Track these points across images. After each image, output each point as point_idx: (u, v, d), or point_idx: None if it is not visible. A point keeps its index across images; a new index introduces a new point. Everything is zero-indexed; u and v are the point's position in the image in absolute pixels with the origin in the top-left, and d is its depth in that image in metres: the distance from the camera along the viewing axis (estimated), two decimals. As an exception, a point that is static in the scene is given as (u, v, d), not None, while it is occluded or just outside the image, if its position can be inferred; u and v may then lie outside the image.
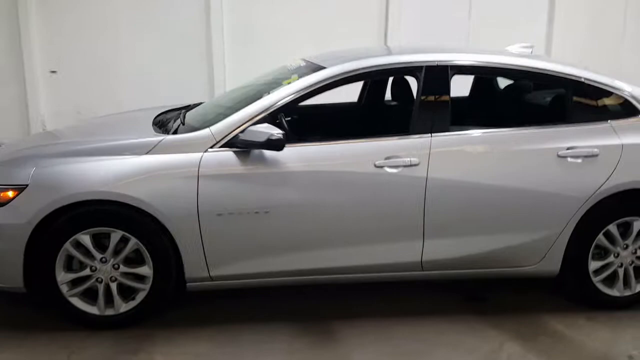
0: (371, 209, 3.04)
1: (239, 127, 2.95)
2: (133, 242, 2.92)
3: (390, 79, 3.83)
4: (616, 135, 3.19)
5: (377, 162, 3.00)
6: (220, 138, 2.95)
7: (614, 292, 3.31)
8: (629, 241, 3.26)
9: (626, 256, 3.27)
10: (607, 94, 3.29)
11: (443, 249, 3.14)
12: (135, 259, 2.98)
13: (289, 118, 3.43)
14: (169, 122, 3.45)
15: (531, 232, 3.16)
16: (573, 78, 3.26)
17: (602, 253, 3.28)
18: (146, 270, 2.96)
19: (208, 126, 3.02)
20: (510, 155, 3.13)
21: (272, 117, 3.02)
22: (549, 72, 3.26)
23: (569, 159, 3.12)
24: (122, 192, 2.84)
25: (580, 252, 3.22)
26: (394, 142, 3.09)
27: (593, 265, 3.25)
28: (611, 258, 3.27)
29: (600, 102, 3.26)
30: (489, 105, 3.74)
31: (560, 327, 3.15)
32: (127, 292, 3.02)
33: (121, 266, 2.96)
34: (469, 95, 4.10)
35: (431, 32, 7.34)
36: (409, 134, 3.11)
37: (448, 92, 3.15)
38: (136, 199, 2.85)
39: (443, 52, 3.26)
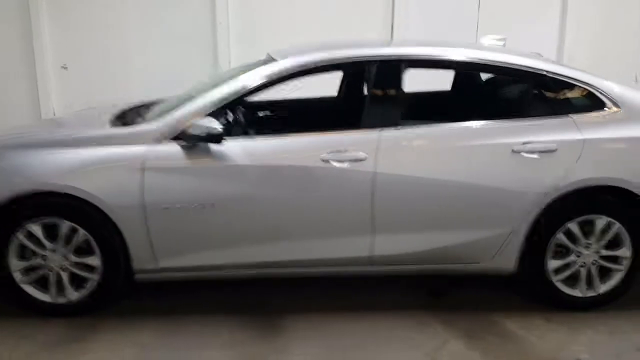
0: (318, 203, 3.02)
1: (185, 120, 2.97)
2: (81, 233, 2.98)
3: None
4: (578, 129, 3.07)
5: (323, 156, 2.98)
6: (166, 132, 2.98)
7: (576, 292, 3.21)
8: (592, 240, 3.14)
9: (589, 256, 3.16)
10: (571, 87, 3.17)
11: (394, 244, 3.09)
12: (86, 250, 3.04)
13: (246, 112, 3.43)
14: (135, 116, 3.49)
15: (484, 228, 3.08)
16: (533, 71, 3.16)
17: (564, 252, 3.18)
18: (95, 260, 3.03)
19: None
20: (462, 150, 3.06)
21: (220, 111, 3.03)
22: (507, 65, 3.17)
23: (523, 154, 3.03)
24: (69, 184, 2.91)
25: (537, 250, 3.12)
26: (342, 136, 3.07)
27: (552, 264, 3.15)
28: (572, 257, 3.16)
29: (562, 96, 3.15)
30: (446, 100, 3.66)
31: (515, 326, 3.07)
32: (79, 282, 3.09)
33: (71, 256, 3.03)
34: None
35: (439, 26, 7.22)
36: (359, 128, 3.07)
37: (399, 86, 3.10)
38: (83, 191, 2.91)
39: (396, 46, 3.20)
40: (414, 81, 3.62)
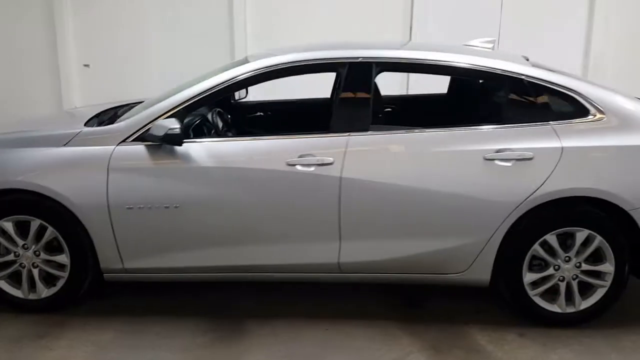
0: (283, 207, 2.98)
1: (150, 121, 2.98)
2: (50, 230, 3.04)
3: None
4: (557, 137, 2.92)
5: (289, 160, 2.93)
6: (132, 132, 3.00)
7: (555, 308, 3.06)
8: (571, 254, 2.98)
9: (569, 270, 3.00)
10: (553, 92, 3.02)
11: (361, 251, 3.02)
12: (57, 248, 3.09)
13: (216, 114, 3.42)
14: (112, 116, 3.53)
15: (455, 238, 2.97)
16: (512, 75, 3.02)
17: (542, 265, 3.03)
18: (64, 258, 3.08)
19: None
20: (432, 157, 2.96)
21: (184, 111, 3.02)
22: (484, 69, 3.04)
23: (497, 162, 2.90)
24: (38, 182, 2.97)
25: (512, 263, 2.99)
26: (310, 140, 3.01)
27: (529, 277, 3.02)
28: (551, 271, 3.01)
29: (542, 102, 3.01)
30: (420, 105, 3.54)
31: (485, 340, 2.96)
32: (50, 279, 3.14)
33: (42, 253, 3.09)
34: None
35: (460, 26, 7.06)
36: (328, 132, 3.02)
37: (369, 89, 3.02)
38: (50, 190, 2.96)
39: (369, 48, 3.11)
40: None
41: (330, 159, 2.92)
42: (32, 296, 3.14)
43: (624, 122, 2.98)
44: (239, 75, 3.05)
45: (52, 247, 3.10)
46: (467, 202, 2.92)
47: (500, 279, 3.05)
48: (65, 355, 2.78)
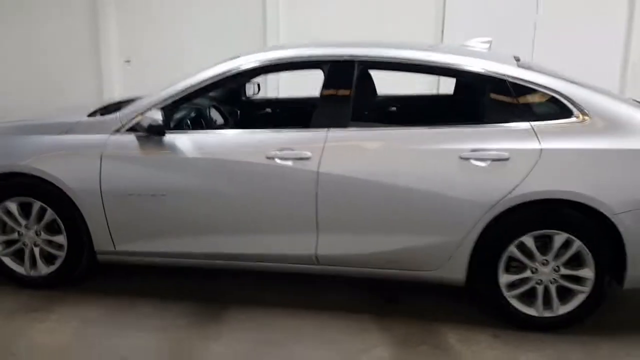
0: (263, 199, 3.08)
1: (141, 113, 3.15)
2: (49, 212, 3.26)
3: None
4: (536, 138, 2.90)
5: (268, 154, 3.04)
6: (125, 122, 3.18)
7: (532, 311, 3.02)
8: (550, 257, 2.95)
9: (547, 273, 2.97)
10: (535, 93, 2.99)
11: (338, 244, 3.09)
12: (57, 229, 3.32)
13: (206, 107, 3.55)
14: (116, 108, 3.72)
15: (429, 236, 2.99)
16: (493, 75, 3.01)
17: (520, 267, 3.01)
18: (61, 239, 3.30)
19: None
20: (408, 155, 2.99)
21: (174, 104, 3.17)
22: (465, 69, 3.04)
23: (472, 162, 2.90)
24: (39, 167, 3.20)
25: (488, 263, 2.99)
26: (290, 134, 3.11)
27: (505, 278, 3.00)
28: (528, 273, 2.99)
29: (523, 102, 2.98)
30: (401, 103, 3.56)
31: (455, 339, 2.96)
32: (50, 258, 3.37)
33: (42, 233, 3.32)
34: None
35: (494, 26, 6.97)
36: (308, 128, 3.10)
37: (350, 86, 3.08)
38: (49, 175, 3.18)
39: (353, 47, 3.18)
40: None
41: (308, 154, 3.01)
42: (33, 273, 3.38)
43: (611, 125, 2.92)
44: (226, 72, 3.17)
45: (52, 228, 3.32)
46: (442, 200, 2.93)
47: (475, 278, 3.04)
48: (51, 328, 2.99)
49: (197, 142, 3.13)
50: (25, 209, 3.31)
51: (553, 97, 2.97)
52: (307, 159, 3.01)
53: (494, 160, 2.89)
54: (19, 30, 7.78)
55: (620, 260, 2.90)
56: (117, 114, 3.24)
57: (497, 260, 2.97)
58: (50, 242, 3.34)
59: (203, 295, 3.37)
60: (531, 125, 2.93)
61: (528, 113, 2.97)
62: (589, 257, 2.91)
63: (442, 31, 7.16)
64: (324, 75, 3.14)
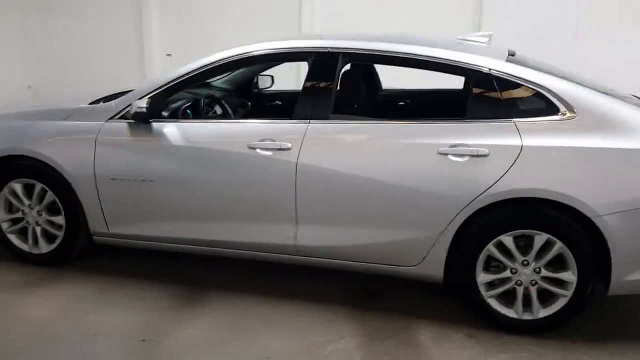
0: (244, 188, 3.14)
1: (130, 100, 3.27)
2: (50, 194, 3.45)
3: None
4: (518, 134, 2.81)
5: (250, 144, 3.09)
6: (118, 110, 3.31)
7: (511, 312, 2.94)
8: (530, 258, 2.86)
9: (527, 274, 2.88)
10: (521, 88, 2.90)
11: (317, 236, 3.10)
12: (57, 210, 3.50)
13: (196, 97, 3.63)
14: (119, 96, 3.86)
15: (406, 230, 2.96)
16: (476, 69, 2.94)
17: (501, 266, 2.94)
18: (60, 220, 3.48)
19: None
20: (387, 149, 2.96)
21: (164, 93, 3.27)
22: (450, 62, 2.98)
23: (450, 157, 2.85)
24: (40, 151, 3.38)
25: (465, 261, 2.93)
26: (272, 125, 3.15)
27: (483, 277, 2.93)
28: (507, 273, 2.91)
29: (507, 97, 2.89)
30: (383, 96, 3.51)
31: (427, 336, 2.92)
32: (51, 237, 3.56)
33: (43, 213, 3.51)
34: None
35: (532, 23, 6.78)
36: (291, 119, 3.13)
37: (332, 79, 3.08)
38: (49, 158, 3.36)
39: (337, 39, 3.18)
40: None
41: (289, 145, 3.04)
42: (35, 250, 3.58)
43: (599, 123, 2.79)
44: (214, 62, 3.25)
45: (53, 209, 3.50)
46: (418, 195, 2.89)
47: (453, 276, 2.99)
48: (39, 302, 3.16)
49: (183, 130, 3.22)
50: (28, 190, 3.51)
51: (539, 93, 2.87)
52: (287, 149, 3.04)
53: (472, 156, 2.82)
54: (70, 28, 8.22)
55: (607, 264, 2.78)
56: (113, 102, 3.38)
57: (475, 258, 2.91)
58: (50, 222, 3.52)
59: (189, 280, 3.47)
60: (513, 121, 2.84)
61: (512, 108, 2.88)
62: (571, 259, 2.80)
63: (479, 24, 7.03)
64: (309, 67, 3.15)
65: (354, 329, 2.97)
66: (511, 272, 2.90)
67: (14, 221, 3.60)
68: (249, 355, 2.72)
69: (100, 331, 2.90)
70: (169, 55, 8.15)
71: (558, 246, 2.80)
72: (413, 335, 2.93)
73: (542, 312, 2.90)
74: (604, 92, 2.91)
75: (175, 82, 3.26)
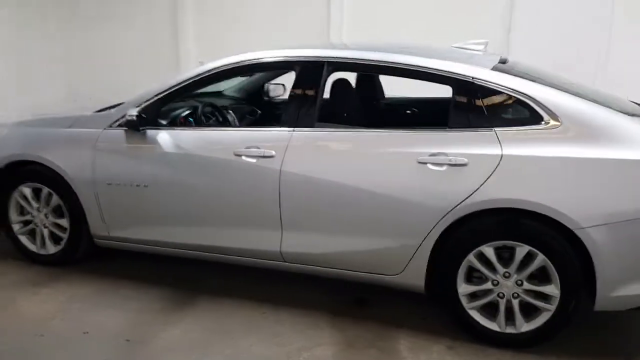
0: (232, 194, 3.20)
1: (127, 109, 3.40)
2: (55, 198, 3.62)
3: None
4: (499, 144, 2.76)
5: (236, 151, 3.16)
6: (117, 118, 3.45)
7: (493, 325, 2.89)
8: (511, 270, 2.80)
9: (509, 287, 2.82)
10: (503, 97, 2.85)
11: (301, 243, 3.14)
12: (62, 213, 3.67)
13: (188, 106, 3.74)
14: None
15: (387, 239, 2.95)
16: (459, 77, 2.91)
17: (482, 277, 2.89)
18: (65, 222, 3.65)
19: None
20: (368, 157, 2.97)
21: (159, 103, 3.38)
22: (433, 71, 2.95)
23: (429, 166, 2.83)
24: (46, 157, 3.56)
25: (446, 271, 2.90)
26: (259, 133, 3.21)
27: (463, 288, 2.90)
28: (489, 285, 2.86)
29: (490, 106, 2.85)
30: (368, 105, 3.49)
31: (406, 346, 2.91)
32: (57, 239, 3.74)
33: (50, 217, 3.69)
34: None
35: (565, 29, 6.61)
36: (277, 127, 3.18)
37: (317, 87, 3.11)
38: (54, 164, 3.54)
39: (322, 48, 3.21)
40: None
41: (272, 152, 3.09)
42: (42, 251, 3.77)
43: (584, 133, 2.71)
44: (206, 72, 3.33)
45: (59, 212, 3.68)
46: (398, 204, 2.89)
47: (434, 286, 2.96)
48: (40, 300, 3.33)
49: (175, 138, 3.31)
50: (37, 194, 3.70)
51: (522, 101, 2.81)
52: (271, 157, 3.09)
53: (451, 165, 2.80)
54: (107, 34, 8.56)
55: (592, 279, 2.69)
56: (112, 111, 3.53)
57: (455, 268, 2.88)
58: (57, 225, 3.70)
59: (184, 283, 3.57)
60: (495, 130, 2.80)
61: (494, 117, 2.83)
62: (554, 273, 2.73)
63: (509, 29, 6.90)
64: (295, 76, 3.20)
65: (334, 336, 2.99)
66: (493, 283, 2.85)
67: (24, 223, 3.79)
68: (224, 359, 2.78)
69: (91, 330, 3.03)
70: (201, 62, 8.35)
71: (540, 259, 2.73)
72: (392, 345, 2.92)
73: (526, 326, 2.84)
74: (598, 101, 2.82)
75: (168, 91, 3.36)
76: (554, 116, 2.75)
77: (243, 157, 3.14)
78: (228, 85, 4.78)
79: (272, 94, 4.66)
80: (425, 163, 2.83)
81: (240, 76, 3.78)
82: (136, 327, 3.06)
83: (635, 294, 2.68)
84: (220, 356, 2.81)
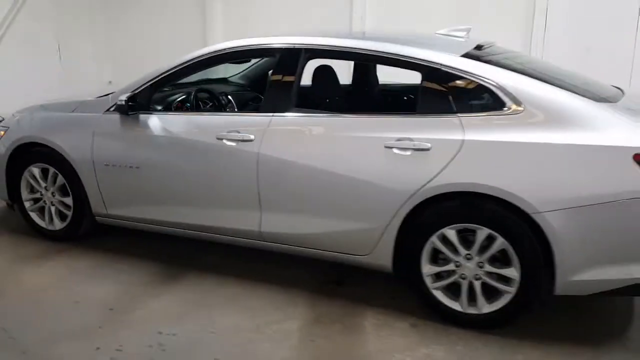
0: (214, 176, 3.38)
1: (121, 94, 3.62)
2: (60, 177, 3.90)
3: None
4: (462, 129, 2.84)
5: (218, 135, 3.33)
6: (113, 103, 3.67)
7: (456, 305, 2.98)
8: (473, 252, 2.88)
9: (470, 268, 2.90)
10: (468, 83, 2.91)
11: (279, 223, 3.29)
12: (66, 191, 3.95)
13: (180, 91, 3.93)
14: None
15: (356, 221, 3.07)
16: (427, 64, 2.98)
17: (446, 259, 2.97)
18: (70, 201, 3.92)
19: None
20: (339, 141, 3.08)
21: (151, 88, 3.58)
22: (403, 57, 3.03)
23: (395, 150, 2.93)
24: (52, 139, 3.83)
25: (410, 252, 3.00)
26: (240, 118, 3.38)
27: (427, 269, 2.99)
28: (451, 266, 2.94)
29: (454, 92, 2.92)
30: (344, 91, 3.57)
31: (370, 322, 3.03)
32: (63, 215, 4.02)
33: (56, 195, 3.97)
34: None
35: (590, 27, 6.50)
36: (258, 112, 3.34)
37: (294, 73, 3.24)
38: (58, 146, 3.80)
39: (300, 36, 3.32)
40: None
41: (251, 136, 3.24)
42: (50, 227, 4.06)
43: (547, 118, 2.75)
44: (192, 59, 3.51)
45: (64, 191, 3.95)
46: (366, 186, 3.00)
47: (400, 266, 3.06)
48: (42, 272, 3.61)
49: (164, 122, 3.52)
50: (45, 174, 3.98)
51: (486, 88, 2.87)
52: (249, 140, 3.25)
53: (415, 149, 2.89)
54: (138, 28, 8.93)
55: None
56: (111, 96, 3.76)
57: (419, 250, 2.97)
58: (62, 203, 3.97)
59: (177, 259, 3.78)
60: (459, 116, 2.87)
61: (459, 103, 2.90)
62: (513, 256, 2.79)
63: (532, 30, 6.83)
64: (275, 62, 3.33)
65: (302, 311, 3.13)
66: (455, 265, 2.92)
67: (34, 200, 4.09)
68: (194, 328, 2.96)
69: (81, 299, 3.27)
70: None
71: (500, 242, 2.80)
72: (359, 321, 3.04)
73: (487, 308, 2.91)
74: (566, 87, 2.84)
75: (159, 77, 3.56)
76: (517, 102, 2.80)
77: (224, 141, 3.30)
78: (233, 72, 4.98)
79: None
80: (392, 147, 2.93)
81: (227, 63, 3.93)
82: (122, 298, 3.29)
83: (595, 279, 2.71)
84: (191, 324, 3.00)
